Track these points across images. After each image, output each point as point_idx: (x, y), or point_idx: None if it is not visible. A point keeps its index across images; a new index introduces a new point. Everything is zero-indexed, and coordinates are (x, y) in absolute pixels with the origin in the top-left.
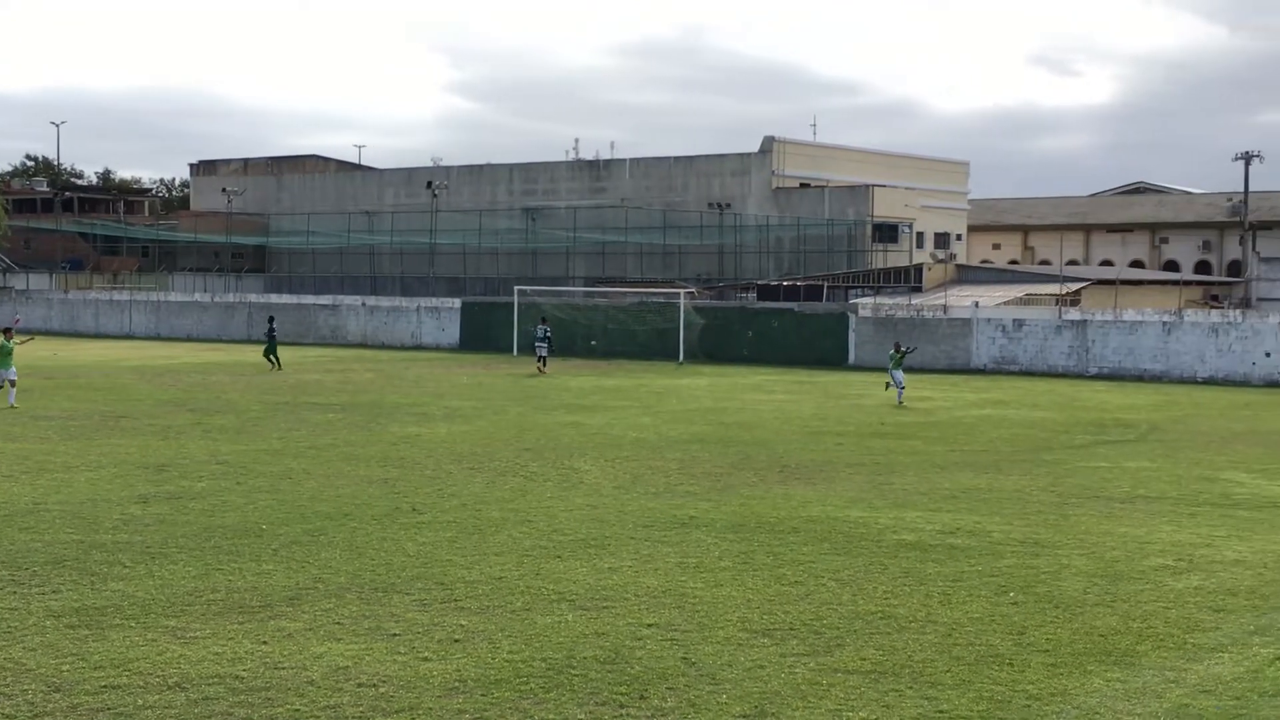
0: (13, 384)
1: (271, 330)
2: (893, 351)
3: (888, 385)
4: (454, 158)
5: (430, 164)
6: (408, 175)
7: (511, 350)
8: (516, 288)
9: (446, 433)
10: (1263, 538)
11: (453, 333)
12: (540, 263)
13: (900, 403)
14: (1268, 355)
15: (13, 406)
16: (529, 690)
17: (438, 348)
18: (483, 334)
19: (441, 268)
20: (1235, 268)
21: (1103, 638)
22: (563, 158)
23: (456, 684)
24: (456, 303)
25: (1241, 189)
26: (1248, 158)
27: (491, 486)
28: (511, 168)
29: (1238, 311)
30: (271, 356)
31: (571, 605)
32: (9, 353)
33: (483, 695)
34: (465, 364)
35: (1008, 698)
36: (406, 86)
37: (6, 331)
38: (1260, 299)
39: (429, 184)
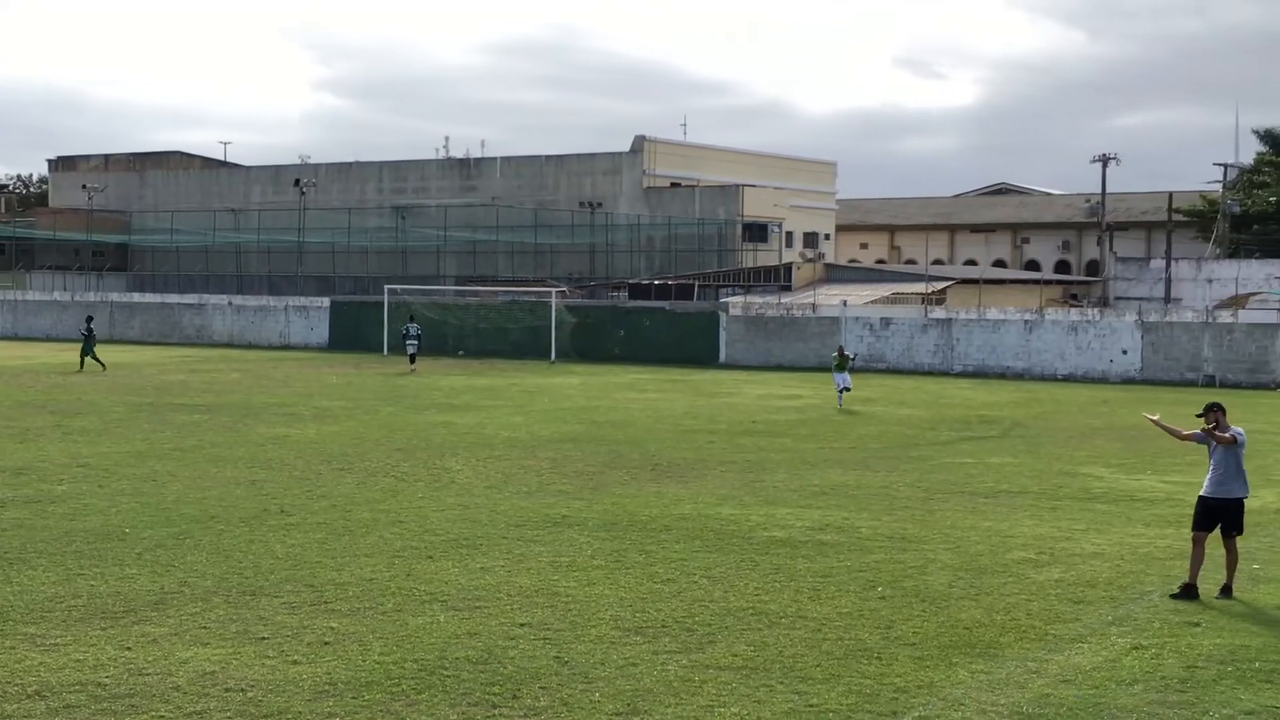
0: None
1: (89, 330)
2: (835, 355)
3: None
4: (323, 155)
5: (298, 161)
6: (275, 173)
7: (382, 350)
8: (387, 287)
9: (316, 433)
10: (1120, 530)
11: (322, 332)
12: (411, 261)
13: (840, 405)
14: (1124, 353)
15: None
16: (400, 692)
17: (307, 347)
18: (353, 333)
19: (310, 266)
20: (1093, 267)
21: (967, 630)
22: (433, 156)
23: (327, 687)
24: (326, 302)
25: (1099, 190)
26: (1105, 160)
27: (362, 487)
28: (381, 166)
29: (1096, 310)
30: (90, 357)
31: (443, 606)
32: None
33: (353, 698)
34: (335, 363)
35: (876, 691)
36: (274, 83)
37: None
38: (1117, 298)
39: (297, 182)
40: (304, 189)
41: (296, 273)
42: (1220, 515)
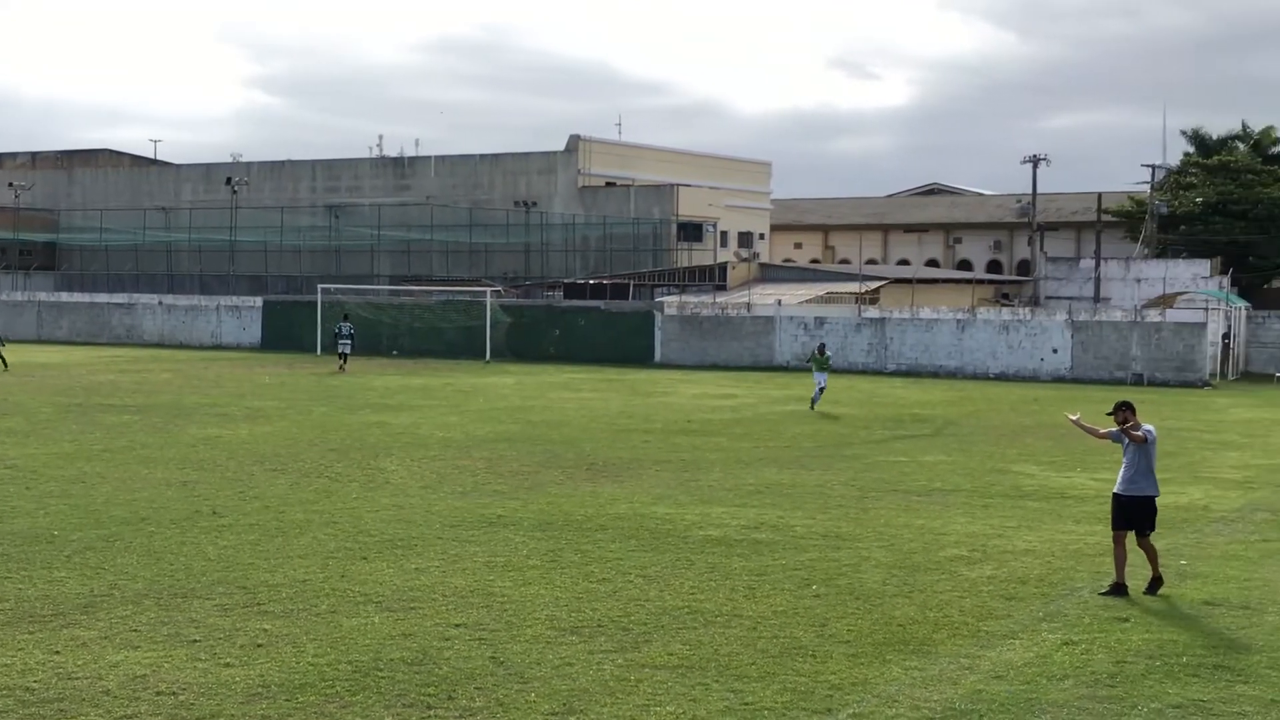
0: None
1: None
2: (815, 353)
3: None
4: (255, 154)
5: (230, 160)
6: (206, 171)
7: (315, 349)
8: (320, 286)
9: (248, 434)
10: (1051, 527)
11: (254, 332)
12: (344, 261)
13: (814, 407)
14: (1055, 351)
15: None
16: (334, 694)
17: (239, 347)
18: (285, 333)
19: (242, 266)
20: (1024, 267)
21: (901, 627)
22: (367, 155)
23: (259, 689)
24: (258, 301)
25: (1030, 191)
26: (1036, 161)
27: (295, 488)
28: (314, 164)
29: (1027, 309)
30: None
31: (378, 607)
32: None
33: (287, 700)
34: (268, 363)
35: (810, 688)
36: (205, 80)
37: None
38: (1048, 297)
39: (229, 180)
40: (236, 188)
41: (228, 272)
42: (1132, 512)
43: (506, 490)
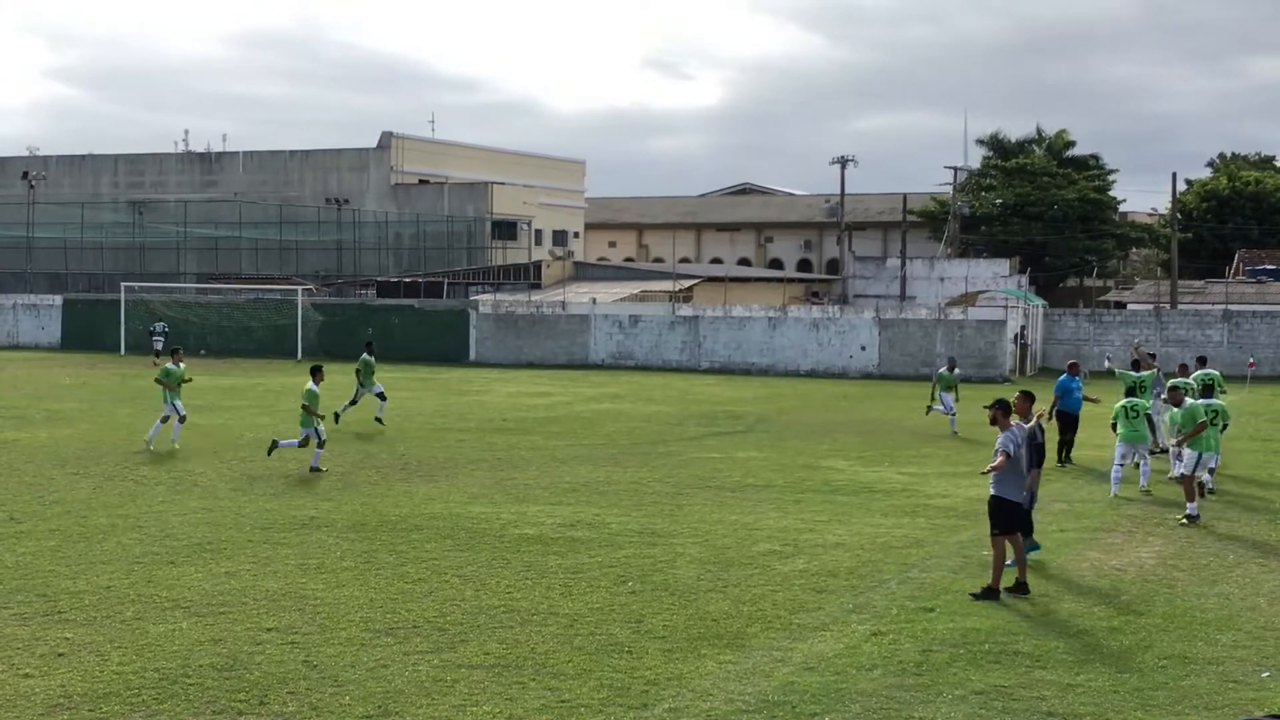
0: (181, 419)
1: None
2: (945, 370)
3: (929, 409)
4: (53, 147)
5: (25, 153)
6: (0, 164)
7: (119, 349)
8: (124, 284)
9: (48, 436)
10: (860, 521)
11: (54, 331)
12: (149, 258)
13: (955, 431)
14: (863, 349)
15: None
16: (140, 702)
17: (37, 347)
18: (87, 332)
19: (40, 263)
20: (834, 266)
21: (715, 622)
22: (172, 149)
23: (61, 700)
24: (58, 300)
25: (839, 191)
26: (844, 162)
27: (98, 492)
28: (117, 158)
29: (836, 308)
30: None
31: (186, 612)
32: (181, 381)
33: (90, 710)
34: (68, 364)
35: (627, 684)
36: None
37: (175, 353)
38: (856, 295)
39: (25, 174)
40: (33, 182)
41: (25, 269)
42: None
43: (319, 491)
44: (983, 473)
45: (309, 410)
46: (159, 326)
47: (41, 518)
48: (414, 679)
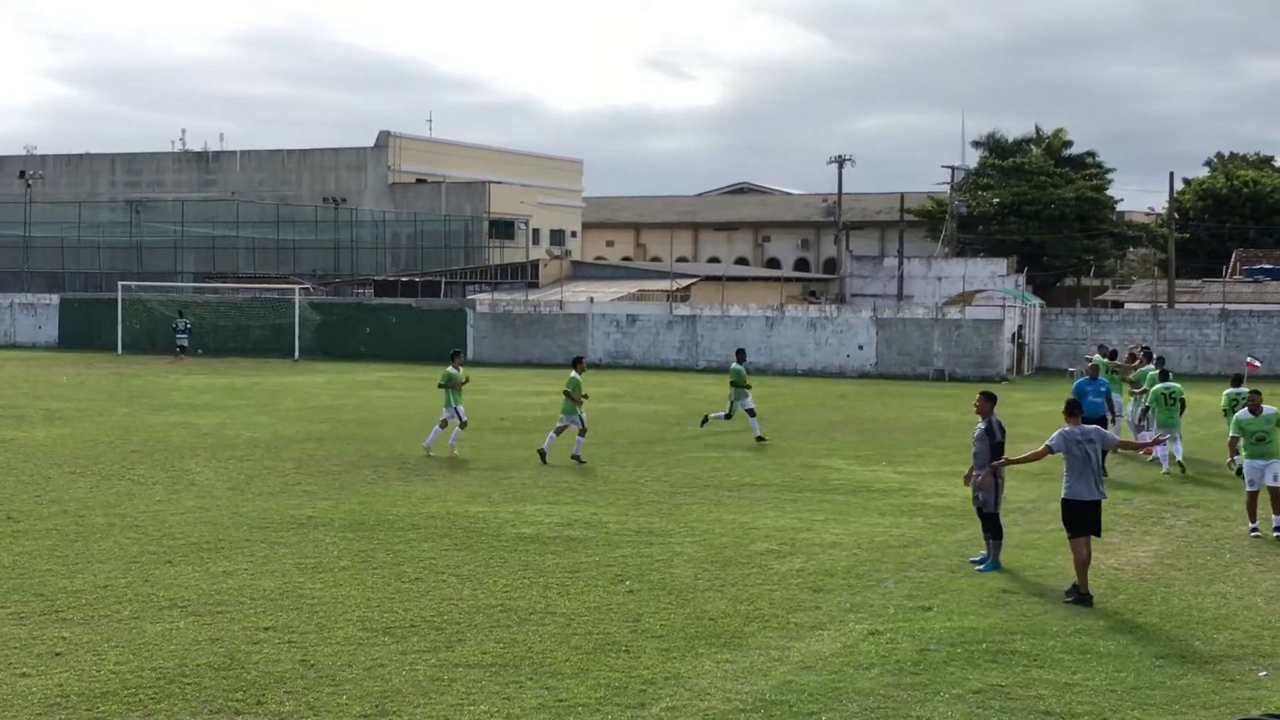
0: (462, 424)
1: None
2: (1169, 390)
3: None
4: (51, 146)
5: (24, 152)
6: None
7: (116, 348)
8: (121, 283)
9: (45, 436)
10: (857, 520)
11: (51, 330)
12: (147, 258)
13: (1167, 469)
14: (860, 348)
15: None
16: (138, 702)
17: (35, 346)
18: (85, 331)
19: (37, 262)
20: (831, 265)
21: (712, 621)
22: (169, 149)
23: (58, 699)
24: (55, 299)
25: (836, 190)
26: (841, 161)
27: (95, 491)
28: (114, 158)
29: (833, 307)
30: None
31: (183, 611)
32: (458, 385)
33: (87, 710)
34: (65, 363)
35: (624, 684)
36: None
37: (454, 356)
38: (853, 295)
39: (22, 173)
40: (30, 181)
41: (22, 268)
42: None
43: (317, 490)
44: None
45: (571, 396)
46: (182, 324)
47: (38, 517)
48: (411, 678)
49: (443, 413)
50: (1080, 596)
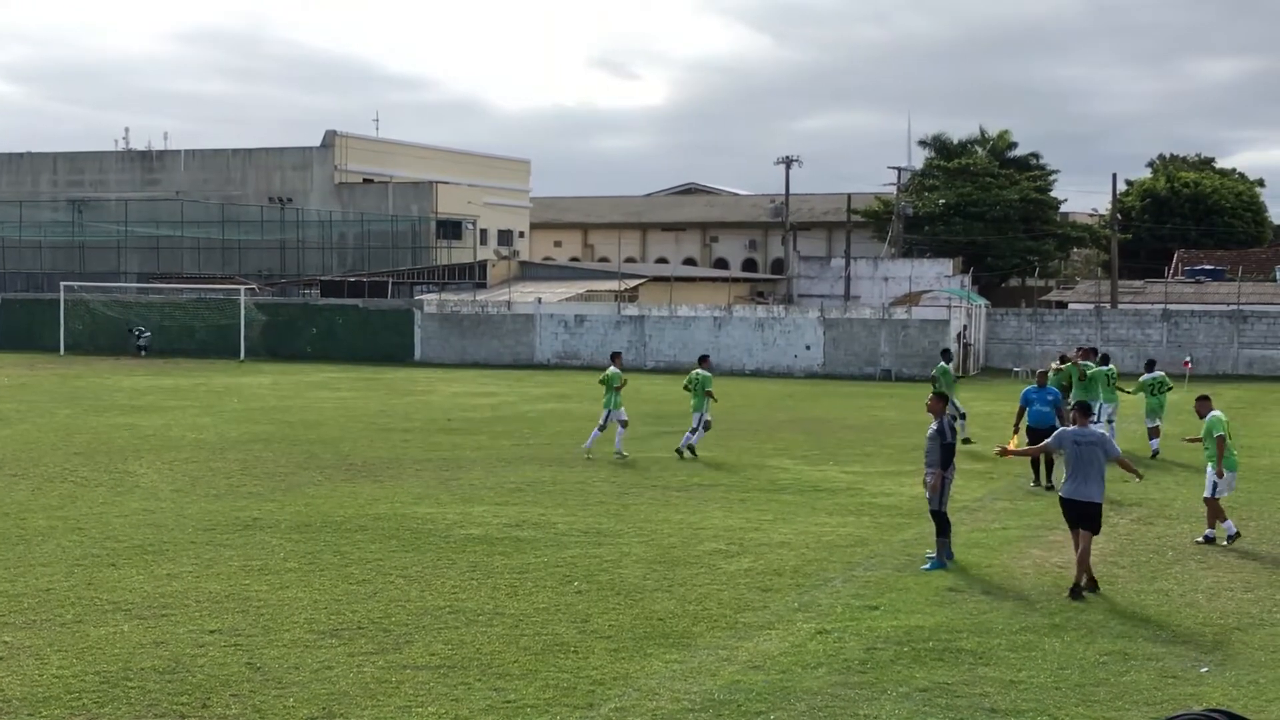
0: (623, 424)
1: None
2: (1153, 376)
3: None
4: None
5: None
6: None
7: (58, 349)
8: (63, 283)
9: None
10: (805, 520)
11: None
12: (89, 257)
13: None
14: (808, 348)
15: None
16: (81, 706)
17: None
18: (25, 332)
19: None
20: (779, 265)
21: (661, 621)
22: (112, 147)
23: (0, 704)
24: None
25: (784, 191)
26: (788, 162)
27: (37, 493)
28: (56, 157)
29: (781, 307)
30: None
31: (127, 615)
32: (616, 386)
33: (29, 714)
34: (6, 364)
35: (573, 684)
36: None
37: (616, 357)
38: (800, 295)
39: None
40: None
41: None
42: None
43: (262, 492)
44: (997, 451)
45: (710, 395)
46: (140, 330)
47: None
48: (359, 680)
49: (601, 415)
50: (1074, 589)
